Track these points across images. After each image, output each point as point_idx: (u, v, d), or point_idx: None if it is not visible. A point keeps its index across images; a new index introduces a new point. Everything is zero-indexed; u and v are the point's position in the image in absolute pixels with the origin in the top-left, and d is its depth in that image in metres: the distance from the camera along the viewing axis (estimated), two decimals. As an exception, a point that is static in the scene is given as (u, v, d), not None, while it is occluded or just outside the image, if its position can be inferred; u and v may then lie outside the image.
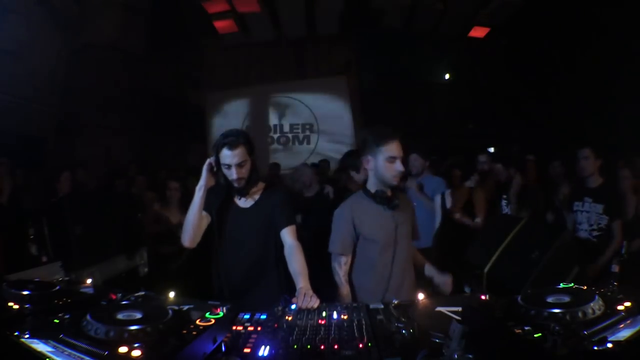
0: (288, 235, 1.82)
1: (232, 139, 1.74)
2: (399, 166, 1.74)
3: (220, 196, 1.89)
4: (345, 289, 1.77)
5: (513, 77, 7.43)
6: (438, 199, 3.33)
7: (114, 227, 3.47)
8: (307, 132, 8.37)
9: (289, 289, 1.67)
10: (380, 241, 1.79)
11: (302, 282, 1.60)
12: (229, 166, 1.76)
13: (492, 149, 7.49)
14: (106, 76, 6.65)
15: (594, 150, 2.88)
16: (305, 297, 1.40)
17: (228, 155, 1.74)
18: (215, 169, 1.80)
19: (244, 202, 1.90)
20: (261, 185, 1.94)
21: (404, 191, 2.81)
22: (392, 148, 1.73)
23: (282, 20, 7.32)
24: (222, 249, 1.89)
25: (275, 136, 8.44)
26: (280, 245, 1.85)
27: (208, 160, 1.80)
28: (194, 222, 1.79)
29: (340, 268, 1.79)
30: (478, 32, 7.40)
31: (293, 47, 8.37)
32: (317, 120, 8.31)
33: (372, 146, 1.77)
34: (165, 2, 6.94)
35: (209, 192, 1.81)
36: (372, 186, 1.83)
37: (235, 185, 1.80)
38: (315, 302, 1.39)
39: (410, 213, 1.94)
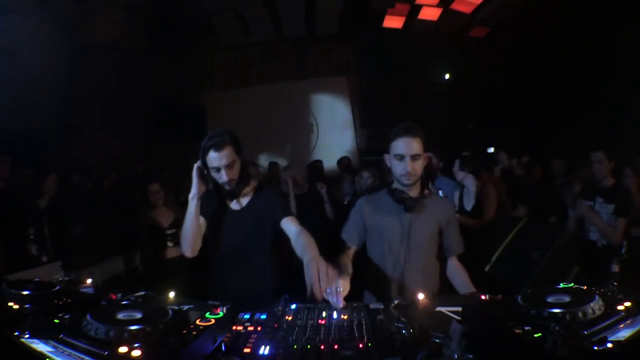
0: (291, 224, 1.72)
1: (217, 139, 1.66)
2: (405, 166, 1.64)
3: (212, 199, 1.82)
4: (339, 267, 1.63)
5: (513, 77, 7.43)
6: (456, 199, 3.34)
7: (114, 227, 3.49)
8: (307, 132, 8.38)
9: (288, 290, 1.64)
10: (386, 240, 1.74)
11: (310, 252, 1.41)
12: (217, 169, 1.68)
13: (492, 149, 7.49)
14: (106, 76, 6.65)
15: (606, 153, 2.86)
16: (321, 275, 1.27)
17: (215, 158, 1.66)
18: (205, 172, 1.73)
19: (235, 204, 1.83)
20: (252, 184, 1.87)
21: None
22: (398, 145, 1.65)
23: (282, 20, 7.33)
24: (216, 253, 1.83)
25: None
26: (276, 247, 1.81)
27: (196, 166, 1.71)
28: (193, 232, 1.73)
29: (343, 251, 1.75)
30: (478, 32, 7.40)
31: (293, 47, 8.38)
32: (317, 120, 8.31)
33: (389, 142, 1.71)
34: (165, 2, 6.94)
35: (201, 197, 1.76)
36: (395, 184, 1.76)
37: (227, 187, 1.73)
38: (332, 277, 1.29)
39: (437, 220, 1.77)
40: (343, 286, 1.34)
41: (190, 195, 1.72)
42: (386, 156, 1.73)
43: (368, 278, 1.79)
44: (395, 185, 1.74)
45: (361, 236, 1.80)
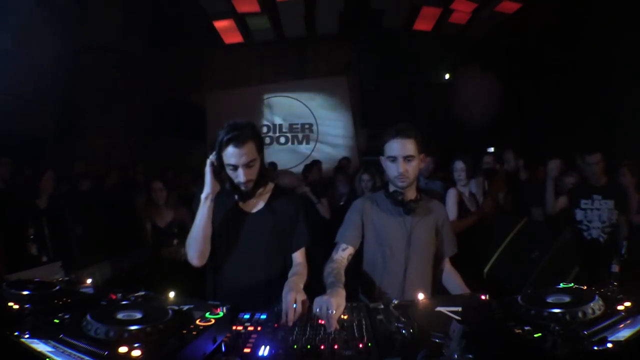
0: (299, 255, 1.63)
1: (238, 133, 1.41)
2: (397, 168, 1.61)
3: (222, 198, 1.56)
4: (325, 274, 1.50)
5: (513, 76, 7.43)
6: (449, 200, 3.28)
7: (113, 227, 3.48)
8: (307, 132, 8.38)
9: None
10: (387, 243, 1.69)
11: (292, 284, 1.35)
12: (234, 167, 1.45)
13: (492, 149, 7.49)
14: (106, 76, 6.65)
15: (603, 155, 3.00)
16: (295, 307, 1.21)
17: (234, 154, 1.42)
18: (219, 169, 1.50)
19: (250, 206, 1.61)
20: (270, 185, 1.64)
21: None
22: (391, 147, 1.63)
23: (282, 20, 7.32)
24: (222, 260, 1.60)
25: (275, 136, 8.46)
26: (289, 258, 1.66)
27: (209, 161, 1.48)
28: (204, 237, 1.51)
29: (336, 252, 1.65)
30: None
31: (293, 47, 8.38)
32: (317, 120, 8.31)
33: (383, 144, 1.68)
34: (165, 2, 6.95)
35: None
36: (391, 186, 1.72)
37: (242, 188, 1.50)
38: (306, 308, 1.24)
39: (434, 222, 1.75)
40: (335, 306, 1.15)
41: (203, 195, 1.48)
42: (381, 158, 1.71)
43: (364, 282, 1.74)
44: (391, 187, 1.71)
45: (359, 236, 1.73)
